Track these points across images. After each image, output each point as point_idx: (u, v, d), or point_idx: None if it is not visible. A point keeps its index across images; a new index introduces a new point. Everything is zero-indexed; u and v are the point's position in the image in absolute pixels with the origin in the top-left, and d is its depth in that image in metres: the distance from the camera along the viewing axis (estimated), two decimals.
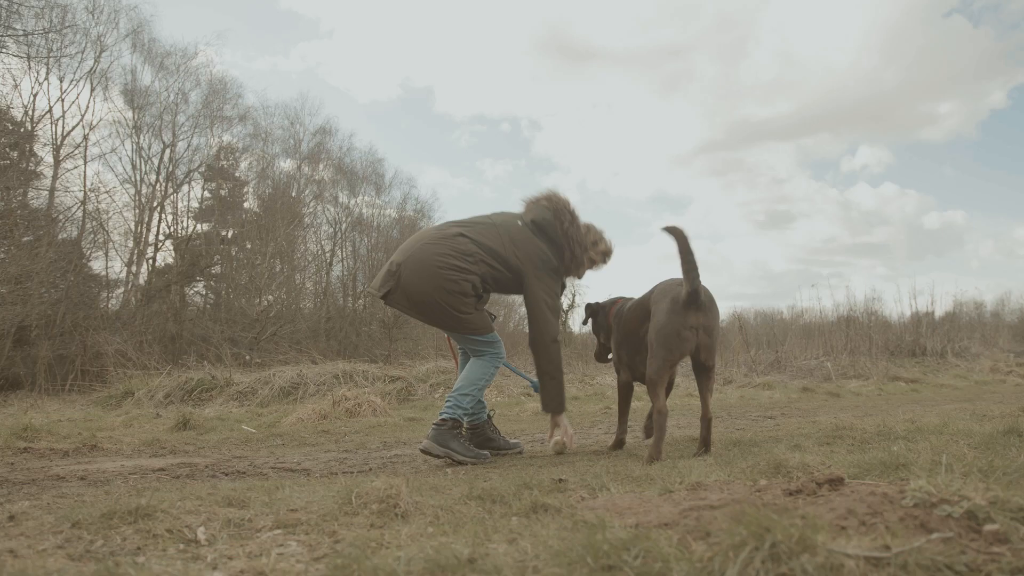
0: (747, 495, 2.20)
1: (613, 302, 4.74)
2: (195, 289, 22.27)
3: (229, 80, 22.07)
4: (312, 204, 25.32)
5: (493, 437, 4.62)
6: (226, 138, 22.41)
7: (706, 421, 3.84)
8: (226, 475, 3.94)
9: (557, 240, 4.38)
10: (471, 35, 58.20)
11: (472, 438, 4.55)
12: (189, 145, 20.72)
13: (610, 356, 4.75)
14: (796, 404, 8.70)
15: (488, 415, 4.67)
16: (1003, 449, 3.04)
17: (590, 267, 4.64)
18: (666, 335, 3.74)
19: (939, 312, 24.84)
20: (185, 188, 21.41)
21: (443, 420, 4.17)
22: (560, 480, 2.94)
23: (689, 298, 3.68)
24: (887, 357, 15.08)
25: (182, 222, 21.50)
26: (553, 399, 4.33)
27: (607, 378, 11.55)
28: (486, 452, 4.29)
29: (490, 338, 4.37)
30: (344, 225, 26.94)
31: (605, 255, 4.66)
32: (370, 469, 4.05)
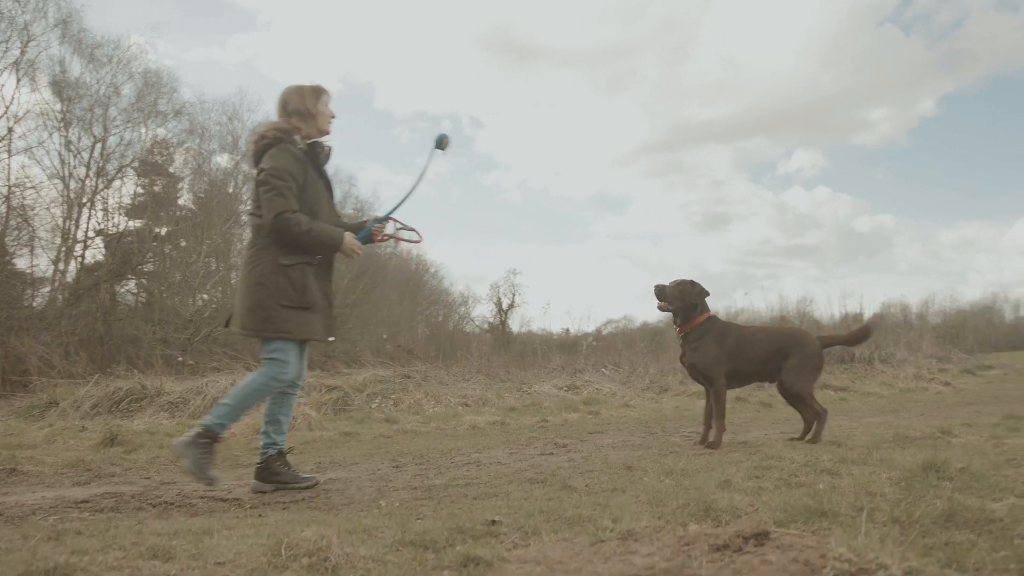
0: (674, 553, 2.23)
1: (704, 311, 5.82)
2: (126, 287, 21.68)
3: (164, 73, 21.47)
4: (249, 201, 24.89)
5: (281, 472, 4.30)
6: (160, 132, 21.85)
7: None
8: (154, 507, 3.84)
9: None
10: (414, 30, 57.76)
11: (258, 472, 4.32)
12: (121, 139, 20.12)
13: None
14: (728, 416, 8.83)
15: (281, 450, 4.36)
16: (922, 489, 3.14)
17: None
18: (817, 364, 5.87)
19: (867, 314, 25.61)
20: (117, 184, 20.81)
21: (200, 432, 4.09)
22: (493, 522, 2.94)
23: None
24: None
25: (113, 218, 20.91)
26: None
27: (545, 387, 11.60)
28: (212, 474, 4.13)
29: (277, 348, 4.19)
30: None
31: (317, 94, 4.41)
32: (303, 499, 4.00)
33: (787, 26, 74.01)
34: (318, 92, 4.39)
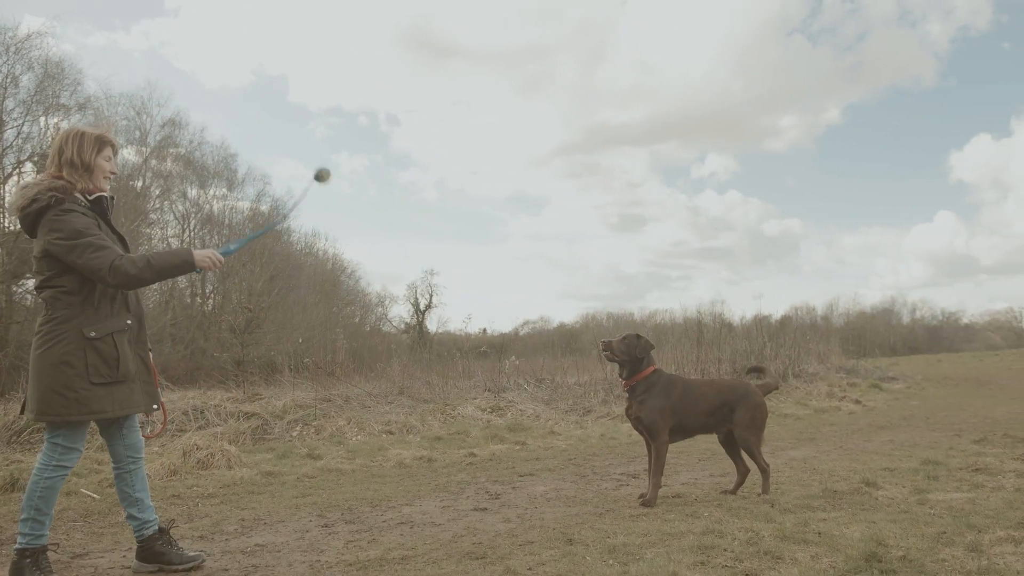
0: None
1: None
2: (24, 287, 20.60)
3: (67, 64, 20.43)
4: (159, 199, 23.93)
5: (164, 551, 4.03)
6: (63, 126, 20.77)
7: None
8: None
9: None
10: (331, 23, 56.64)
11: (139, 553, 4.04)
12: (19, 133, 19.07)
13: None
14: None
15: (159, 528, 4.09)
16: None
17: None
18: (764, 416, 6.00)
19: (777, 316, 26.41)
20: (15, 178, 19.72)
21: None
22: None
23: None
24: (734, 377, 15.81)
25: (10, 216, 19.78)
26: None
27: (468, 408, 11.47)
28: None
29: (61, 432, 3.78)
30: (193, 221, 25.65)
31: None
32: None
33: (701, 34, 75.70)
34: (101, 143, 3.92)
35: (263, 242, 23.44)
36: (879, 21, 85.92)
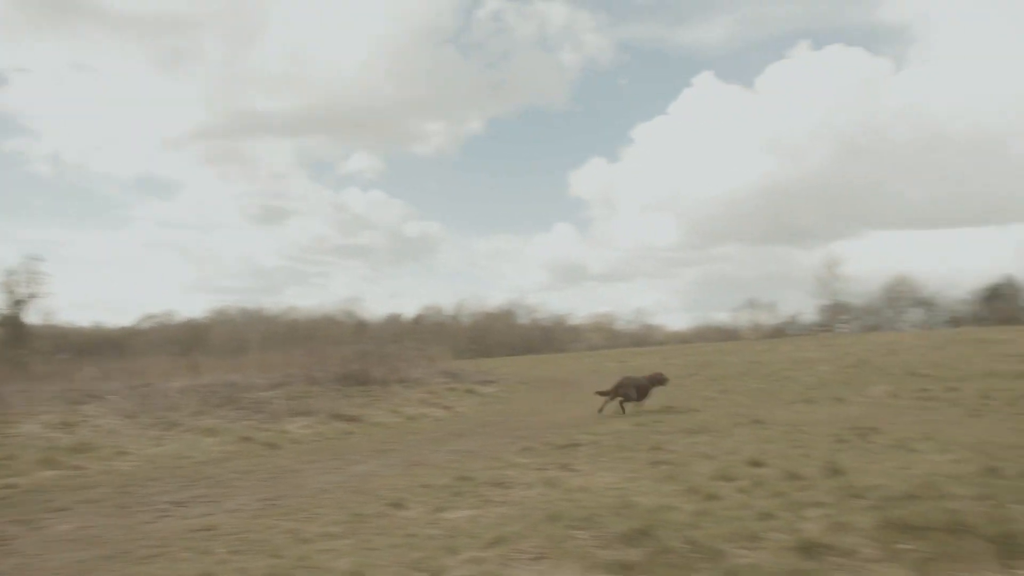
0: None
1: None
2: None
3: None
4: None
5: None
6: None
7: None
8: None
9: None
10: None
11: None
12: None
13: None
14: (230, 467, 8.78)
15: None
16: None
17: None
18: None
19: (411, 314, 27.43)
20: None
21: None
22: None
23: None
24: (339, 385, 16.14)
25: None
26: None
27: (32, 425, 10.42)
28: None
29: None
30: None
31: None
32: None
33: (357, 31, 76.12)
34: None
35: None
36: (523, 43, 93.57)
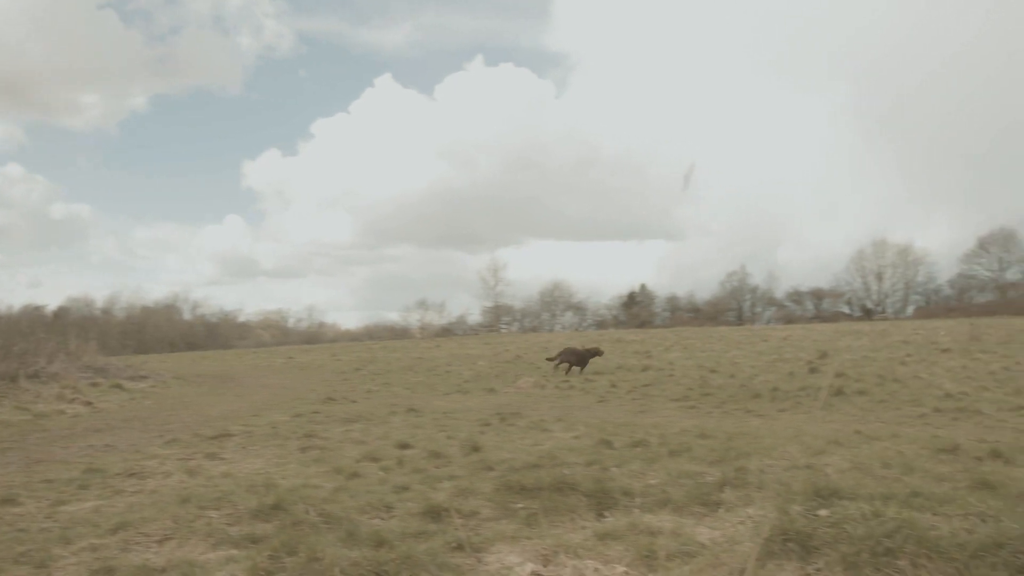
0: None
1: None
2: None
3: None
4: None
5: None
6: None
7: None
8: None
9: None
10: None
11: None
12: None
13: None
14: None
15: None
16: None
17: None
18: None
19: (53, 306, 24.54)
20: None
21: None
22: None
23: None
24: None
25: None
26: None
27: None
28: None
29: None
30: None
31: None
32: None
33: None
34: None
35: None
36: (194, 19, 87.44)
